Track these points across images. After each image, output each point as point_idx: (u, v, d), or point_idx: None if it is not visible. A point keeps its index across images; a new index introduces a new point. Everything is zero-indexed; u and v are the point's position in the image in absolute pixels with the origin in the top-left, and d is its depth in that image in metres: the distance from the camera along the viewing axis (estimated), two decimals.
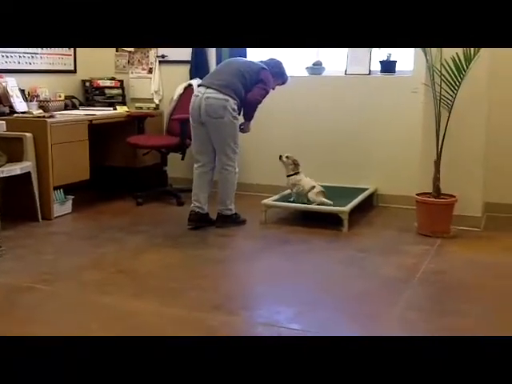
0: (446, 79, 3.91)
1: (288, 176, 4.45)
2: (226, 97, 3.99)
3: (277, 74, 4.29)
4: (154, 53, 5.60)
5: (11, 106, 4.61)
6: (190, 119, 4.15)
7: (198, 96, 4.09)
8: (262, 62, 4.30)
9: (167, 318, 2.76)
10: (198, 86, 4.24)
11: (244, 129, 4.31)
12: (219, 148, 4.10)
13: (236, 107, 4.03)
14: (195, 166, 4.22)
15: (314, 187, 4.38)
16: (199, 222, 4.18)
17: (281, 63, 4.36)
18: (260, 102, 4.15)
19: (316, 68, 5.15)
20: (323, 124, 5.09)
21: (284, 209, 4.52)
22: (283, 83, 4.42)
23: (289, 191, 4.53)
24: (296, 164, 4.43)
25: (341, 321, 2.76)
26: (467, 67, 3.81)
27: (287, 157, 4.45)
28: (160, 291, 3.07)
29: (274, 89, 4.34)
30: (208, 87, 4.05)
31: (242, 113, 4.19)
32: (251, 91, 4.11)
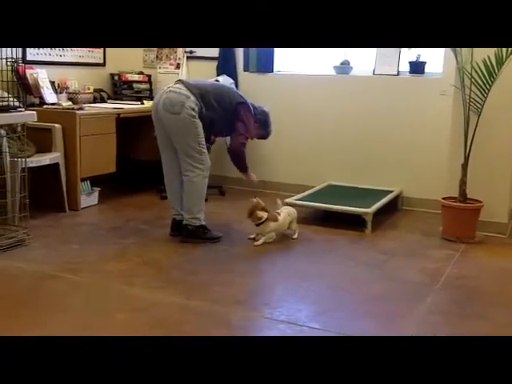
0: (477, 82, 3.87)
1: (258, 225, 3.81)
2: (189, 93, 3.62)
3: (261, 121, 4.03)
4: (182, 48, 5.63)
5: (41, 98, 4.69)
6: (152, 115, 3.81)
7: (163, 89, 3.78)
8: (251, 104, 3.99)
9: (190, 310, 2.79)
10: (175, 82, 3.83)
11: (247, 179, 4.08)
12: (180, 148, 3.68)
13: (196, 108, 3.62)
14: (163, 168, 3.88)
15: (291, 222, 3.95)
16: (179, 230, 3.85)
17: (268, 114, 4.09)
18: (243, 151, 3.83)
19: (344, 67, 5.14)
20: (349, 124, 5.08)
21: (307, 208, 4.51)
22: (264, 137, 4.17)
23: (312, 191, 4.45)
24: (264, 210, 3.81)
25: (361, 322, 2.75)
26: (498, 70, 3.76)
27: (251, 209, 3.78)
28: (184, 284, 3.10)
29: (253, 138, 4.06)
30: (179, 82, 3.75)
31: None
32: (232, 139, 3.85)
